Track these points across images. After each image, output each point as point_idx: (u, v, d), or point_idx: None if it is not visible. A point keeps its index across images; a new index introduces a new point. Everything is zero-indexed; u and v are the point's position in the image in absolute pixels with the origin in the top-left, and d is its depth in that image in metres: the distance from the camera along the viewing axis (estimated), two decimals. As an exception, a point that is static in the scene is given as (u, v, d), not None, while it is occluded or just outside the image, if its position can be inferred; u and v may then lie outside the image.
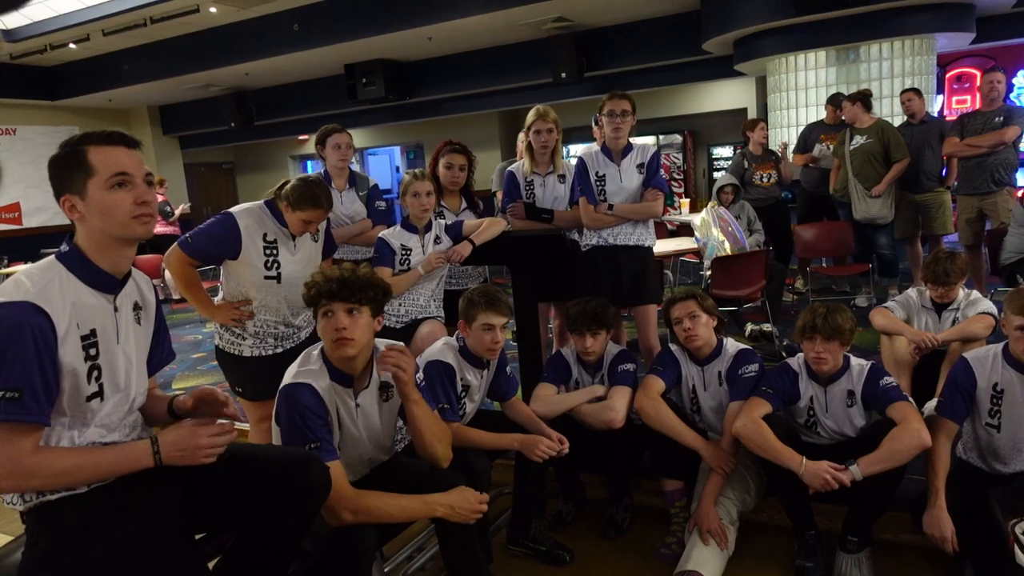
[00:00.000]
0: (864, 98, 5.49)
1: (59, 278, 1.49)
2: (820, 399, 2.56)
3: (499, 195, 4.05)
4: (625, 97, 3.22)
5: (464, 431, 2.46)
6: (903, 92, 5.68)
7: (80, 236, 1.53)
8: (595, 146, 3.38)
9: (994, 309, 3.08)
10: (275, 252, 2.68)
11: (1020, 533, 2.13)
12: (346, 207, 3.55)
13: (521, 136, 3.69)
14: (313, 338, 2.78)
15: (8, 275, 7.50)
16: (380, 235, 3.14)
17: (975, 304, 3.14)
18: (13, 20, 8.83)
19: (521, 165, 3.53)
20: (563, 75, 8.87)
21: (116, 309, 1.58)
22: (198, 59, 9.59)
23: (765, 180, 5.96)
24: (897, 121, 5.91)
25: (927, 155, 5.44)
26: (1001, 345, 2.35)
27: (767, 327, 4.87)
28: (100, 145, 1.50)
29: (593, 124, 3.58)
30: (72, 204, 1.49)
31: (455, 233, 3.18)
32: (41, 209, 11.55)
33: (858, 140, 5.40)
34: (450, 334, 2.82)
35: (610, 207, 3.20)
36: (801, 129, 6.48)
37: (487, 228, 3.14)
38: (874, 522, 2.42)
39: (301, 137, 12.85)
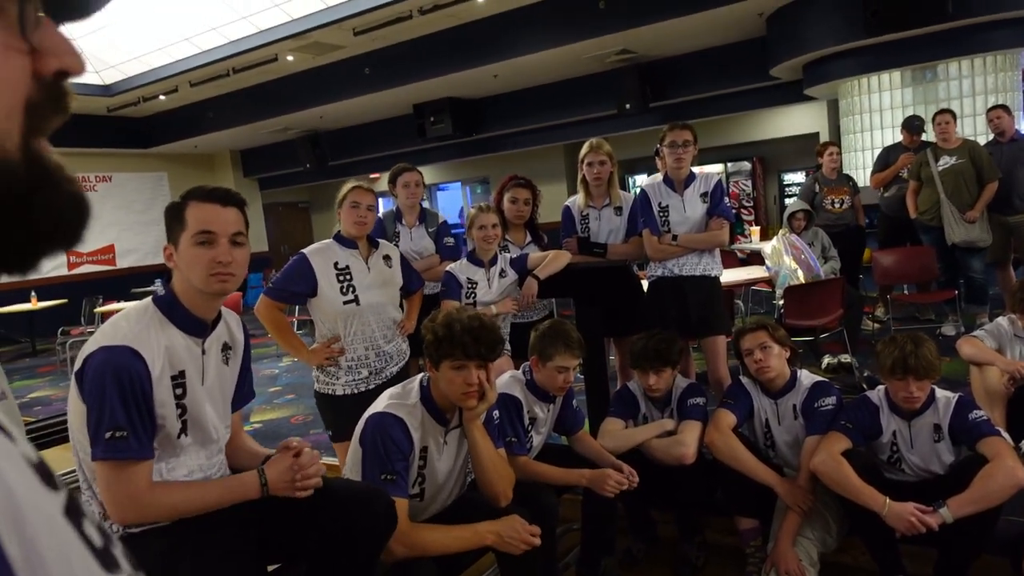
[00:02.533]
0: (953, 116, 5.32)
1: (154, 322, 1.60)
2: (904, 434, 2.43)
3: None
4: (686, 127, 3.21)
5: (532, 465, 2.45)
6: (991, 110, 5.44)
7: (175, 282, 1.65)
8: (658, 177, 3.36)
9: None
10: (348, 276, 2.83)
11: None
12: (415, 243, 3.64)
13: (579, 170, 3.70)
14: (400, 376, 2.86)
15: (104, 313, 7.96)
16: (447, 269, 3.19)
17: (1075, 333, 2.94)
18: (110, 76, 9.50)
19: (577, 199, 3.54)
20: (628, 106, 8.87)
21: (204, 352, 1.67)
22: (276, 104, 10.07)
23: (837, 206, 5.78)
24: (981, 141, 5.65)
25: (1019, 175, 5.18)
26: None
27: (846, 358, 4.68)
28: (198, 201, 1.61)
29: (655, 155, 3.56)
30: (170, 253, 1.62)
31: (520, 267, 3.20)
32: (132, 251, 12.26)
33: (946, 160, 5.19)
34: (516, 367, 2.83)
35: (674, 238, 3.17)
36: (877, 152, 6.28)
37: (552, 261, 3.15)
38: (968, 567, 2.27)
39: (372, 176, 13.25)
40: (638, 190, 3.42)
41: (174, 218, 1.62)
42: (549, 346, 2.46)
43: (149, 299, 1.65)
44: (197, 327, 1.65)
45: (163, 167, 12.58)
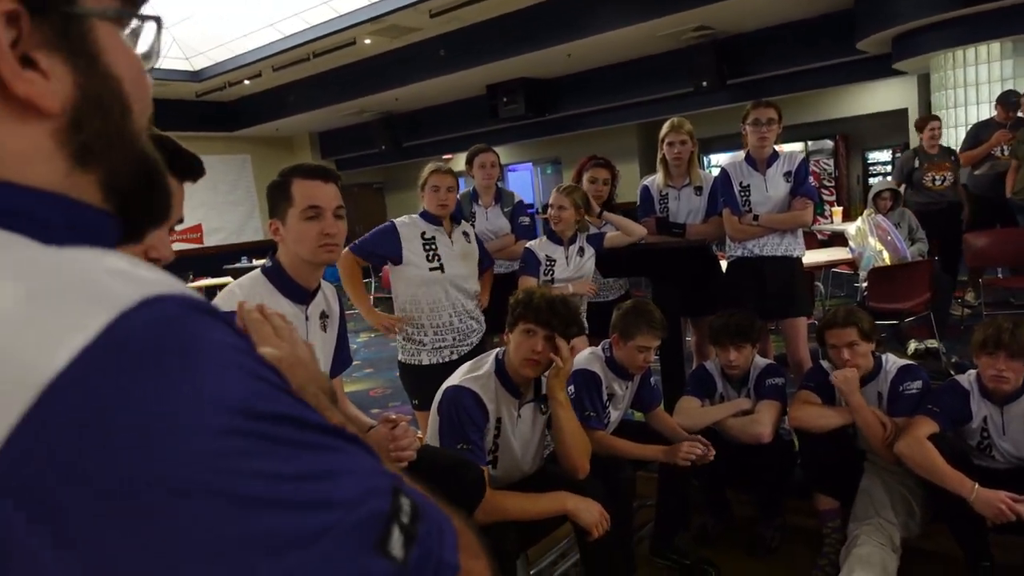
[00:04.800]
0: None
1: (265, 290, 1.73)
2: (996, 420, 2.36)
3: None
4: (771, 105, 3.15)
5: (609, 440, 2.50)
6: (1096, 83, 5.10)
7: (281, 254, 1.77)
8: (740, 155, 3.32)
9: None
10: (434, 247, 2.99)
11: None
12: (491, 222, 3.71)
13: (659, 149, 3.69)
14: (479, 349, 2.98)
15: (194, 288, 8.39)
16: (527, 245, 3.26)
17: None
18: (199, 62, 9.93)
19: (656, 179, 3.53)
20: (704, 84, 8.69)
21: (307, 318, 1.79)
22: (353, 88, 10.31)
23: (939, 183, 5.52)
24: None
25: None
26: None
27: (932, 344, 4.52)
28: (302, 178, 1.71)
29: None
30: (276, 227, 1.74)
31: (598, 244, 3.24)
32: (219, 229, 12.84)
33: None
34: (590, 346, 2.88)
35: (755, 217, 3.13)
36: (969, 129, 5.97)
37: (624, 226, 3.23)
38: (1063, 557, 2.20)
39: (445, 156, 13.40)
40: (716, 169, 3.39)
41: (280, 195, 1.73)
42: (632, 325, 2.49)
43: (259, 271, 1.78)
44: (301, 295, 1.77)
45: (247, 149, 13.08)
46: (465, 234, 3.13)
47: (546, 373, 2.20)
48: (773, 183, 3.14)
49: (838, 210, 7.41)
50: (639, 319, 2.48)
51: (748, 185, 3.16)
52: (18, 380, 0.33)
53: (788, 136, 10.77)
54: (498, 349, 2.25)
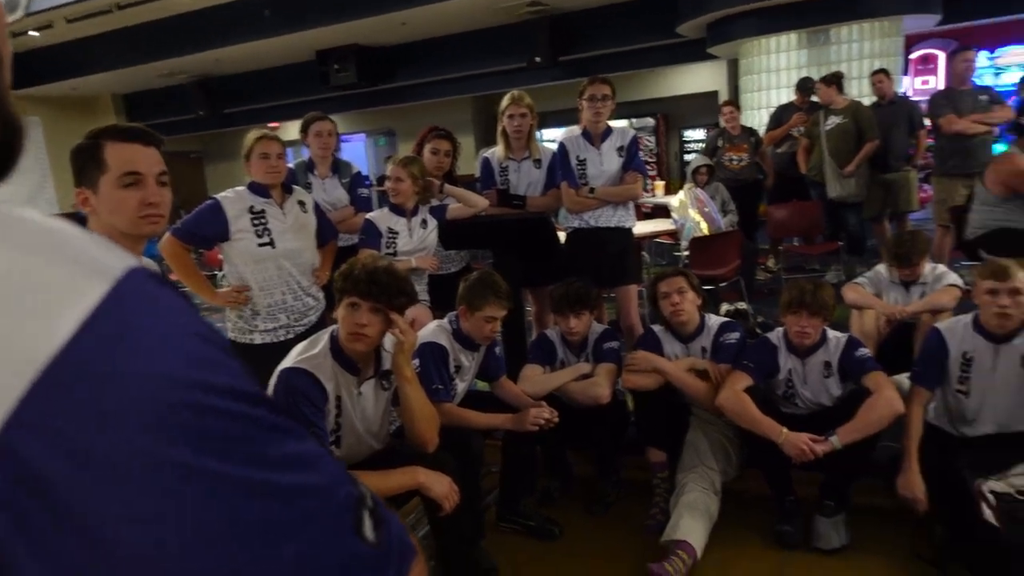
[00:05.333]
0: (838, 80, 5.62)
1: None
2: (799, 371, 2.66)
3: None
4: (606, 82, 3.28)
5: (457, 412, 2.52)
6: (873, 73, 5.81)
7: (93, 226, 1.57)
8: (575, 130, 3.43)
9: (960, 281, 3.20)
10: (264, 220, 2.78)
11: (987, 492, 2.26)
12: (328, 194, 3.57)
13: (499, 122, 3.72)
14: (318, 326, 2.84)
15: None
16: (368, 216, 3.17)
17: (942, 278, 3.25)
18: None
19: (496, 151, 3.57)
20: (537, 59, 8.88)
21: None
22: (166, 46, 9.43)
23: (736, 162, 6.07)
24: (866, 102, 6.04)
25: (896, 135, 5.58)
26: (971, 315, 2.47)
27: (742, 306, 4.98)
28: (117, 141, 1.52)
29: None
30: (85, 197, 1.54)
31: (440, 215, 3.22)
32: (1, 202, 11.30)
33: (833, 120, 5.52)
34: (435, 319, 2.88)
35: (591, 190, 3.26)
36: (772, 111, 6.60)
37: (466, 199, 3.23)
38: (850, 487, 2.53)
39: (271, 125, 12.69)
40: (549, 144, 3.49)
41: (89, 160, 1.53)
42: (479, 296, 2.51)
43: None
44: None
45: (35, 111, 11.55)
46: (301, 203, 2.96)
47: (387, 348, 2.16)
48: (607, 157, 3.28)
49: (660, 184, 7.91)
50: (486, 290, 2.51)
51: (584, 159, 3.28)
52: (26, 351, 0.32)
53: (614, 114, 11.31)
54: (333, 327, 2.17)
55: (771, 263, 6.30)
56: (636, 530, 2.70)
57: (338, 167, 3.66)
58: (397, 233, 3.14)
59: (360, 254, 2.78)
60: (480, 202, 3.30)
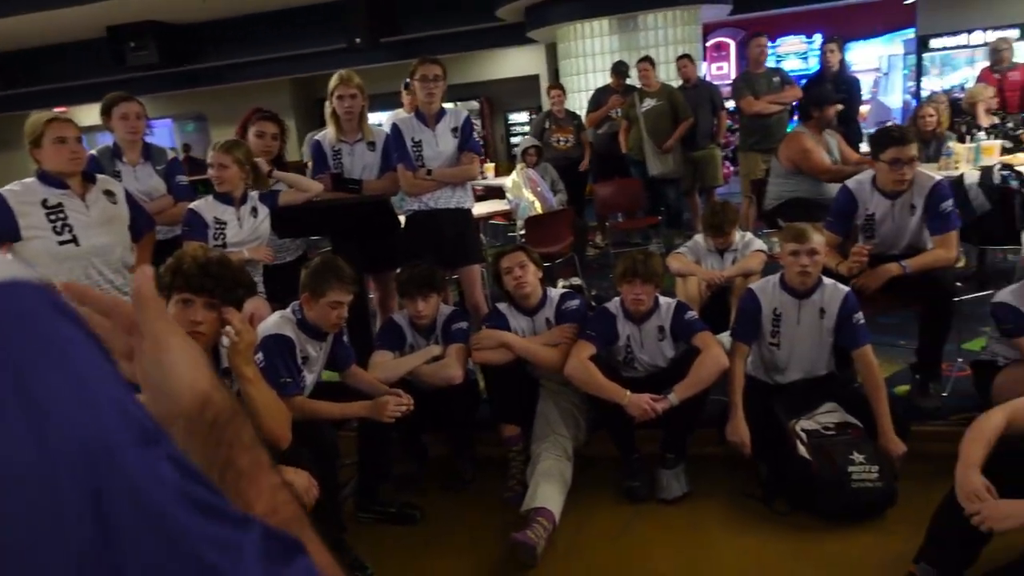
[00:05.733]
0: (652, 62, 6.02)
1: None
2: (636, 337, 2.83)
3: (310, 166, 3.92)
4: (436, 62, 3.26)
5: (308, 404, 2.42)
6: (679, 58, 6.27)
7: None
8: (401, 112, 3.39)
9: (764, 247, 3.56)
10: (62, 215, 2.52)
11: (799, 431, 2.55)
12: (141, 182, 3.25)
13: (327, 103, 3.59)
14: None
15: None
16: (191, 206, 2.93)
17: (750, 244, 3.60)
18: None
19: (327, 134, 3.44)
20: (357, 40, 8.65)
21: None
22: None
23: (563, 143, 6.31)
24: (674, 85, 6.49)
25: (701, 116, 6.08)
26: (778, 275, 2.76)
27: (576, 281, 5.21)
28: None
29: (403, 89, 3.55)
30: None
31: (271, 203, 3.05)
32: None
33: (649, 103, 5.89)
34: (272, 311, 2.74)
35: (429, 172, 3.24)
36: (590, 93, 6.92)
37: (298, 183, 3.09)
38: (687, 439, 2.75)
39: (58, 109, 11.34)
40: (378, 126, 3.42)
41: None
42: (322, 281, 2.42)
43: None
44: None
45: None
46: (108, 193, 2.69)
47: (225, 344, 2.02)
48: (443, 138, 3.27)
49: (490, 166, 8.03)
50: (329, 274, 2.42)
51: (420, 140, 3.25)
52: None
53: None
54: None
55: (599, 239, 6.63)
56: (496, 504, 2.76)
57: (150, 153, 3.34)
58: (225, 223, 2.94)
59: (186, 246, 2.57)
60: (313, 187, 3.17)
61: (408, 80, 3.30)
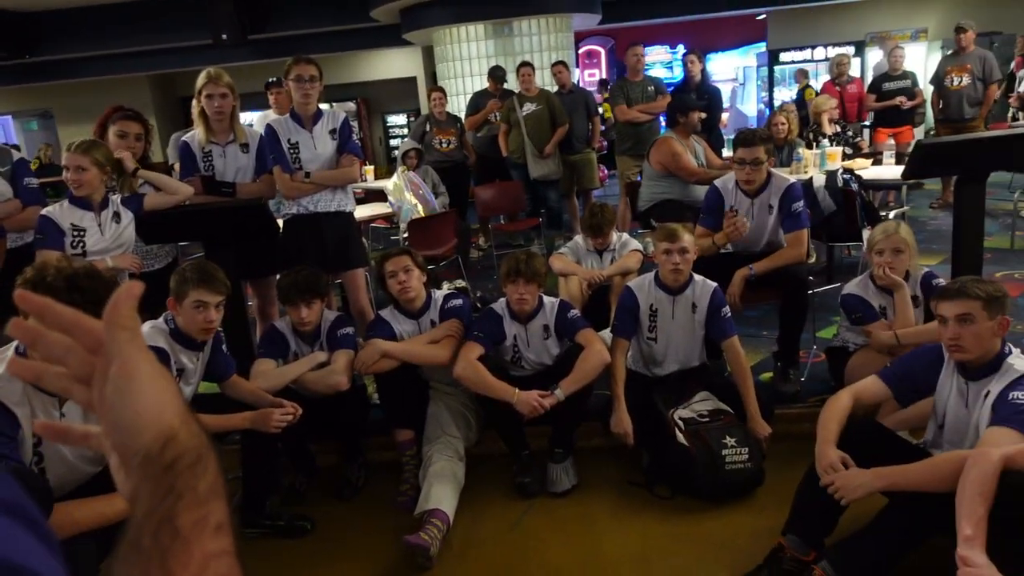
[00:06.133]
0: (533, 68, 6.15)
1: None
2: (523, 336, 2.89)
3: (176, 167, 3.72)
4: (312, 62, 3.19)
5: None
6: (554, 64, 6.44)
7: None
8: (271, 114, 3.29)
9: (640, 246, 3.74)
10: None
11: (677, 419, 2.70)
12: (-18, 186, 2.97)
13: (194, 103, 3.41)
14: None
15: None
16: (44, 213, 2.70)
17: (627, 244, 3.77)
18: None
19: (196, 134, 3.27)
20: (224, 36, 8.26)
21: None
22: None
23: (445, 145, 6.32)
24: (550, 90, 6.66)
25: (576, 121, 6.27)
26: (652, 273, 2.91)
27: (460, 283, 5.24)
28: None
29: (265, 89, 3.39)
30: None
31: (136, 206, 2.87)
32: None
33: (529, 107, 6.01)
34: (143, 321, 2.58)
35: (307, 175, 3.16)
36: (469, 97, 6.98)
37: (166, 186, 2.92)
38: (574, 433, 2.84)
39: None
40: (256, 126, 3.30)
41: None
42: (184, 283, 2.31)
43: None
44: None
45: None
46: None
47: None
48: (320, 140, 3.19)
49: (369, 169, 7.91)
50: (192, 274, 2.32)
51: (296, 142, 3.16)
52: None
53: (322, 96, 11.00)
54: (15, 342, 1.83)
55: (482, 241, 6.69)
56: (390, 509, 2.73)
57: (-7, 153, 3.05)
58: (84, 230, 2.74)
59: (43, 256, 2.37)
60: (183, 190, 3.01)
61: (271, 80, 3.19)
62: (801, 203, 3.12)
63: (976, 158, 2.69)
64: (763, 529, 2.31)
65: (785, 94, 11.41)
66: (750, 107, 12.26)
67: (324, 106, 3.37)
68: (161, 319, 2.41)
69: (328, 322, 2.89)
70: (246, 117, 8.71)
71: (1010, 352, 1.98)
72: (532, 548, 2.50)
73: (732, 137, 4.98)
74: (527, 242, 6.67)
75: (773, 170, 3.27)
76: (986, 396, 1.93)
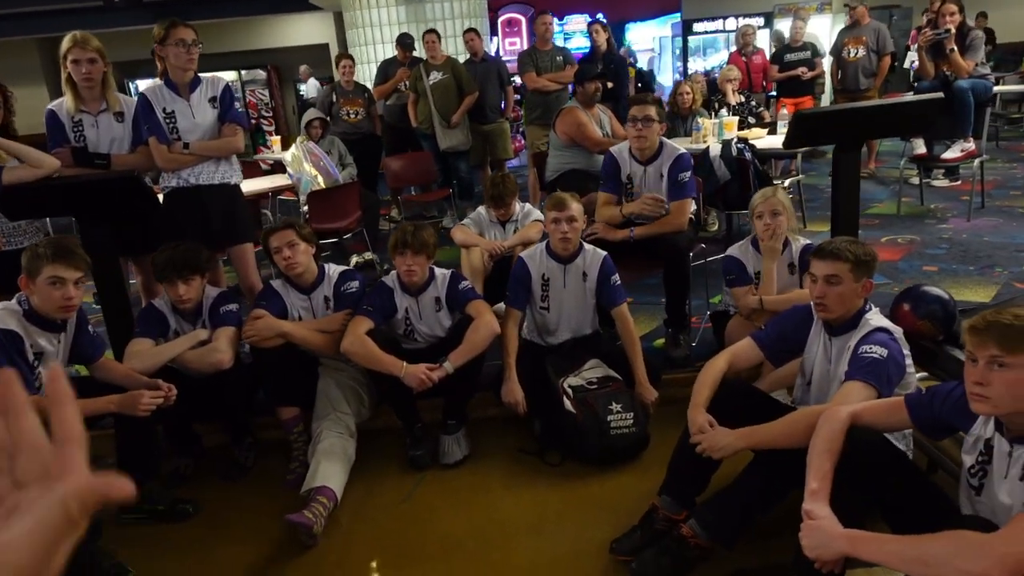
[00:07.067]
0: (438, 35, 6.02)
1: None
2: (414, 309, 2.86)
3: None
4: (188, 26, 3.02)
5: (43, 403, 2.17)
6: (466, 32, 6.33)
7: None
8: (155, 82, 3.12)
9: (542, 216, 3.74)
10: None
11: (566, 387, 2.73)
12: None
13: (62, 69, 3.19)
14: None
15: None
16: None
17: (529, 214, 3.77)
18: None
19: (65, 103, 3.07)
20: (117, -1, 7.79)
21: None
22: None
23: (353, 116, 6.16)
24: (461, 59, 6.56)
25: (489, 90, 6.20)
26: (544, 243, 2.91)
27: (369, 255, 5.16)
28: None
29: (152, 55, 3.17)
30: None
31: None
32: None
33: (435, 76, 5.90)
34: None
35: (185, 145, 3.01)
36: (378, 65, 6.80)
37: (29, 157, 2.74)
38: (466, 404, 2.84)
39: None
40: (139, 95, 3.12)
41: None
42: (35, 259, 2.17)
43: None
44: None
45: None
46: None
47: None
48: (200, 109, 3.04)
49: (276, 139, 7.65)
50: (45, 250, 2.18)
51: (173, 111, 3.00)
52: None
53: (220, 64, 10.53)
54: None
55: (395, 213, 6.59)
56: (279, 489, 2.68)
57: None
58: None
59: None
60: (48, 162, 2.82)
61: (155, 46, 3.01)
62: (688, 173, 3.18)
63: (848, 128, 2.78)
64: (647, 490, 2.37)
65: (699, 64, 11.61)
66: (667, 77, 12.42)
67: (229, 74, 3.21)
68: (14, 300, 2.26)
69: (210, 299, 2.79)
70: (141, 85, 8.27)
71: (870, 309, 2.07)
72: (424, 520, 2.51)
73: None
74: (440, 214, 6.61)
75: (666, 139, 3.31)
76: (847, 352, 2.02)
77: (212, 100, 3.06)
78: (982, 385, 1.44)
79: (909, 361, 2.01)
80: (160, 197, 3.20)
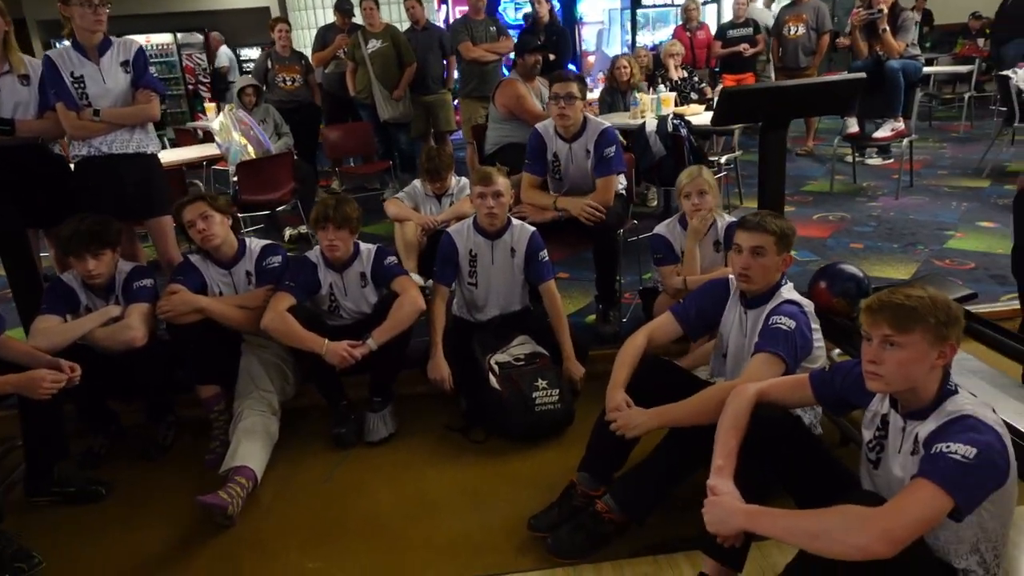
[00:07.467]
0: (376, 2, 5.84)
1: None
2: (339, 284, 2.81)
3: None
4: (97, -15, 2.85)
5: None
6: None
7: None
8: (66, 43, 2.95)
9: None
10: None
11: (493, 364, 2.73)
12: None
13: None
14: None
15: None
16: None
17: (464, 188, 3.72)
18: None
19: None
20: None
21: None
22: None
23: (289, 83, 5.97)
24: (403, 27, 6.40)
25: (430, 60, 6.07)
26: (471, 218, 2.88)
27: (304, 229, 5.04)
28: None
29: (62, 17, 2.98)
30: None
31: None
32: None
33: (374, 44, 5.74)
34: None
35: (96, 112, 2.87)
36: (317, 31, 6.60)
37: None
38: (392, 381, 2.81)
39: None
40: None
41: None
42: None
43: None
44: None
45: None
46: None
47: None
48: (110, 74, 2.89)
49: (211, 106, 7.38)
50: None
51: (81, 76, 2.84)
52: None
53: (155, 26, 10.08)
54: None
55: (335, 185, 6.45)
56: (199, 469, 2.62)
57: None
58: None
59: None
60: None
61: (63, 5, 2.83)
62: (613, 148, 3.16)
63: (774, 107, 2.80)
64: (571, 466, 2.38)
65: (647, 38, 11.60)
66: (615, 50, 12.38)
67: (164, 37, 3.05)
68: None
69: (123, 274, 2.69)
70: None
71: (785, 283, 2.11)
72: (347, 498, 2.48)
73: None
74: (382, 186, 6.49)
75: (590, 115, 3.29)
76: (761, 324, 2.05)
77: (124, 64, 2.91)
78: (875, 363, 1.47)
79: (818, 336, 2.06)
80: (72, 166, 3.05)
